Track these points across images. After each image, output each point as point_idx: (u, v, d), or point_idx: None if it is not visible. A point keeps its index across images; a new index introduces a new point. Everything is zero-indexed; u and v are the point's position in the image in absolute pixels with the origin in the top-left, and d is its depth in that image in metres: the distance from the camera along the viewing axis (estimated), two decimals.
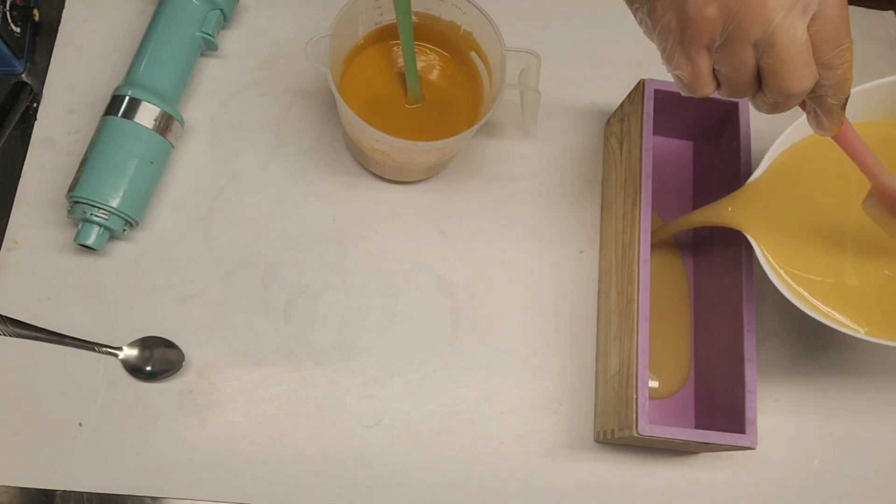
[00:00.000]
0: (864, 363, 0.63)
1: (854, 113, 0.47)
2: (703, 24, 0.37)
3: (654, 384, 0.60)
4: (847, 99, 0.40)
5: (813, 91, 0.39)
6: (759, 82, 0.39)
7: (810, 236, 0.52)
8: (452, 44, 0.62)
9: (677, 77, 0.41)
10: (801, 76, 0.37)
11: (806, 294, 0.51)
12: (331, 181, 0.63)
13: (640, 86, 0.60)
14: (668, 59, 0.41)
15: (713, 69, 0.40)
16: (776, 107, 0.40)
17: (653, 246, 0.62)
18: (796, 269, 0.51)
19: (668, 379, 0.60)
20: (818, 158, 0.53)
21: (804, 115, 0.44)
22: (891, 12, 0.75)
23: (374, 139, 0.55)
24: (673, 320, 0.62)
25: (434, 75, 0.63)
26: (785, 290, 0.50)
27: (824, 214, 0.53)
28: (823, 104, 0.40)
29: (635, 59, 0.70)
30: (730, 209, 0.54)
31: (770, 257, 0.51)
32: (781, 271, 0.51)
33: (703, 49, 0.39)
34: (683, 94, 0.42)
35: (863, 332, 0.50)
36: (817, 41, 0.37)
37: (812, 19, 0.36)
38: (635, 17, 0.42)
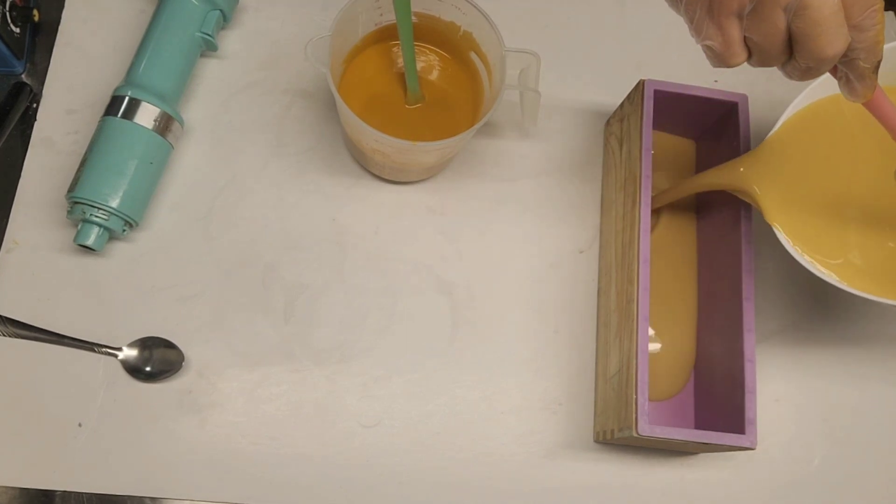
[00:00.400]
0: (864, 363, 0.63)
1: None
2: None
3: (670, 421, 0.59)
4: (879, 62, 0.39)
5: (844, 55, 0.38)
6: (790, 48, 0.38)
7: (823, 201, 0.51)
8: (452, 44, 0.62)
9: (707, 48, 0.41)
10: (834, 39, 0.37)
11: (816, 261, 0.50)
12: (330, 181, 0.63)
13: (640, 86, 0.60)
14: (697, 29, 0.40)
15: (744, 37, 0.39)
16: (808, 72, 0.39)
17: (663, 216, 0.62)
18: (805, 238, 0.51)
19: (669, 379, 0.60)
20: (835, 122, 0.52)
21: (817, 80, 0.43)
22: (890, 13, 0.75)
23: (374, 139, 0.55)
24: (678, 302, 0.62)
25: (434, 76, 0.63)
26: (795, 252, 0.50)
27: (838, 179, 0.52)
28: (855, 68, 0.39)
29: (635, 60, 0.70)
30: (742, 169, 0.53)
31: (782, 228, 0.50)
32: (799, 249, 0.50)
33: (734, 16, 0.38)
34: (713, 65, 0.41)
35: (875, 295, 0.48)
36: (848, 2, 0.36)
37: None
38: None
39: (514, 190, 0.65)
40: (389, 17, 0.60)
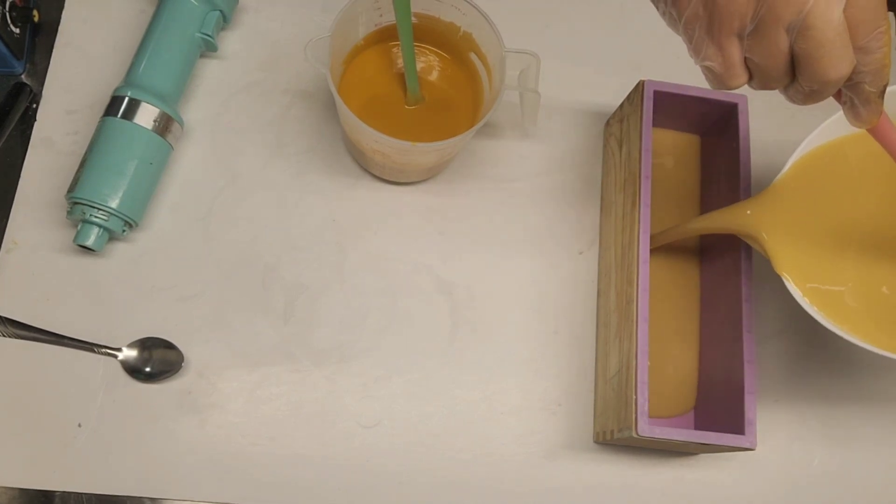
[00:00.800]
0: (863, 364, 0.63)
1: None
2: (733, 8, 0.35)
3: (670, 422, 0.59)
4: (886, 86, 0.38)
5: (849, 78, 0.37)
6: (793, 71, 0.37)
7: (832, 247, 0.50)
8: (452, 45, 0.62)
9: (706, 69, 0.39)
10: (839, 61, 0.35)
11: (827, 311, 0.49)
12: (330, 182, 0.63)
13: (640, 87, 0.60)
14: (696, 50, 0.39)
15: (744, 58, 0.38)
16: (811, 96, 0.38)
17: (660, 254, 0.61)
18: (816, 282, 0.49)
19: (673, 401, 0.60)
20: (845, 162, 0.51)
21: (830, 119, 0.42)
22: (890, 13, 0.75)
23: (374, 140, 0.55)
24: (679, 338, 0.61)
25: (433, 76, 0.63)
26: (809, 308, 0.48)
27: (848, 224, 0.50)
28: (861, 92, 0.38)
29: (635, 60, 0.70)
30: (748, 212, 0.51)
31: (791, 276, 0.49)
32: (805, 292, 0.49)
33: (734, 36, 0.37)
34: (713, 87, 0.40)
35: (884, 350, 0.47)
36: (853, 24, 0.35)
37: (847, 1, 0.34)
38: (657, 8, 0.40)
39: (514, 190, 0.65)
40: (389, 18, 0.60)
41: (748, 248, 0.56)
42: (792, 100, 0.39)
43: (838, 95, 0.40)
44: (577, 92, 0.69)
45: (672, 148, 0.66)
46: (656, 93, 0.59)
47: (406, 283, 0.61)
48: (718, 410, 0.56)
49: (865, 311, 0.49)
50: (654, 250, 0.62)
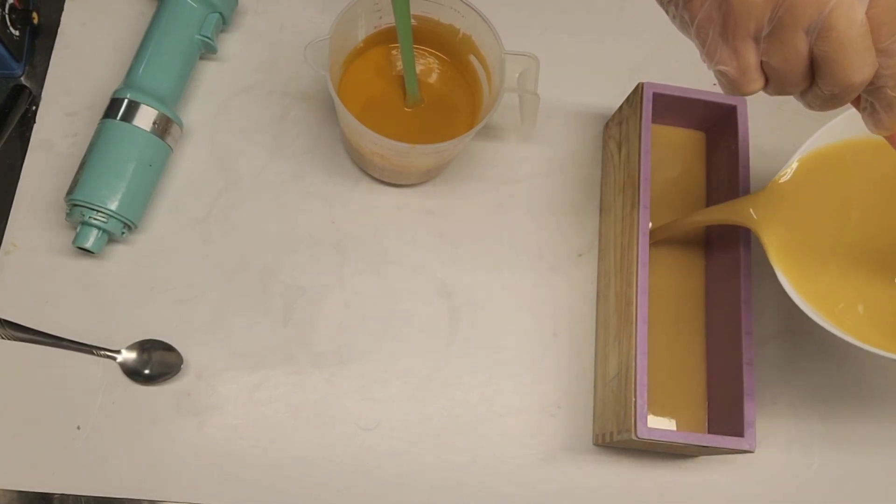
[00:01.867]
0: (863, 366, 0.63)
1: None
2: (749, 10, 0.34)
3: (670, 425, 0.59)
4: None
5: (871, 83, 0.35)
6: (812, 75, 0.35)
7: (830, 248, 0.50)
8: (451, 47, 0.62)
9: (720, 73, 0.38)
10: (861, 63, 0.34)
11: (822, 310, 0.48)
12: (330, 184, 0.63)
13: (639, 89, 0.60)
14: (710, 54, 0.37)
15: (760, 62, 0.36)
16: (830, 101, 0.36)
17: (665, 255, 0.61)
18: (815, 283, 0.49)
19: (688, 412, 0.59)
20: (851, 168, 0.50)
21: (835, 119, 0.40)
22: None
23: (373, 142, 0.55)
24: (686, 348, 0.61)
25: (433, 78, 0.63)
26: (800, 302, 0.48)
27: (851, 224, 0.50)
28: (883, 97, 0.36)
29: (634, 62, 0.70)
30: (751, 210, 0.51)
31: (788, 277, 0.49)
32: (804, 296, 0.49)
33: (750, 39, 0.35)
34: (726, 92, 0.38)
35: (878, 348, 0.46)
36: (876, 25, 0.33)
37: (870, 1, 0.33)
38: (667, 12, 0.39)
39: (514, 192, 0.65)
40: (389, 20, 0.60)
41: (747, 250, 0.56)
42: (810, 105, 0.37)
43: (857, 101, 0.38)
44: (577, 94, 0.69)
45: (677, 144, 0.66)
46: (656, 94, 0.59)
47: (405, 285, 0.61)
48: (718, 412, 0.57)
49: (864, 313, 0.49)
50: (659, 252, 0.62)
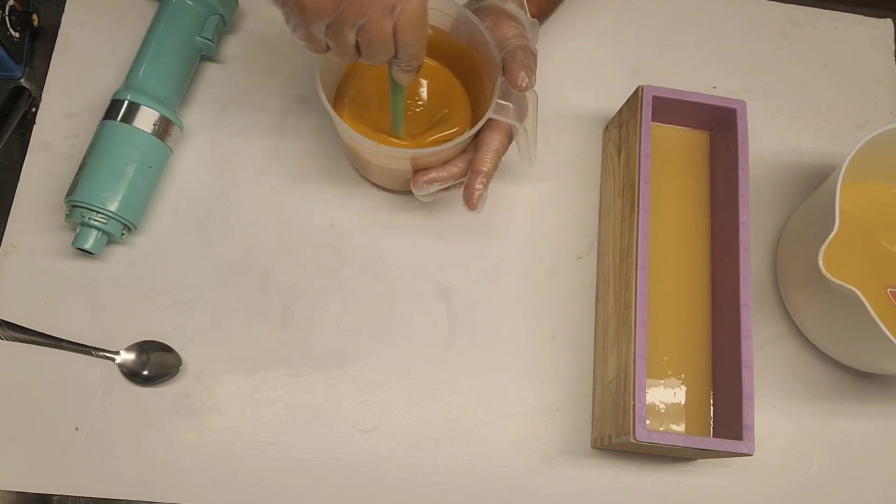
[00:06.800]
0: (862, 370, 0.63)
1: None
2: (319, 10, 0.45)
3: (676, 428, 0.58)
4: (418, 66, 0.50)
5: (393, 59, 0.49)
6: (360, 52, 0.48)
7: None
8: (456, 55, 0.61)
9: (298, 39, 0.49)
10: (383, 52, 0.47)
11: None
12: (329, 186, 0.63)
13: (639, 92, 0.60)
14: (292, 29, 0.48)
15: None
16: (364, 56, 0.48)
17: (669, 260, 0.61)
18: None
19: (697, 418, 0.59)
20: None
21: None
22: (888, 20, 0.76)
23: (370, 151, 0.55)
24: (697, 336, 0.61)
25: (433, 85, 0.62)
26: None
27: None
28: (397, 69, 0.51)
29: (633, 66, 0.70)
30: None
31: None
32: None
33: (320, 23, 0.46)
34: (308, 50, 0.49)
35: None
36: (397, 30, 0.46)
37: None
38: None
39: (513, 195, 0.65)
40: None
41: (746, 253, 0.56)
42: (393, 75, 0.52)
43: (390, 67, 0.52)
44: (576, 97, 0.69)
45: (681, 143, 0.66)
46: (655, 98, 0.59)
47: (404, 288, 0.61)
48: (716, 416, 0.56)
49: None
50: (662, 256, 0.62)
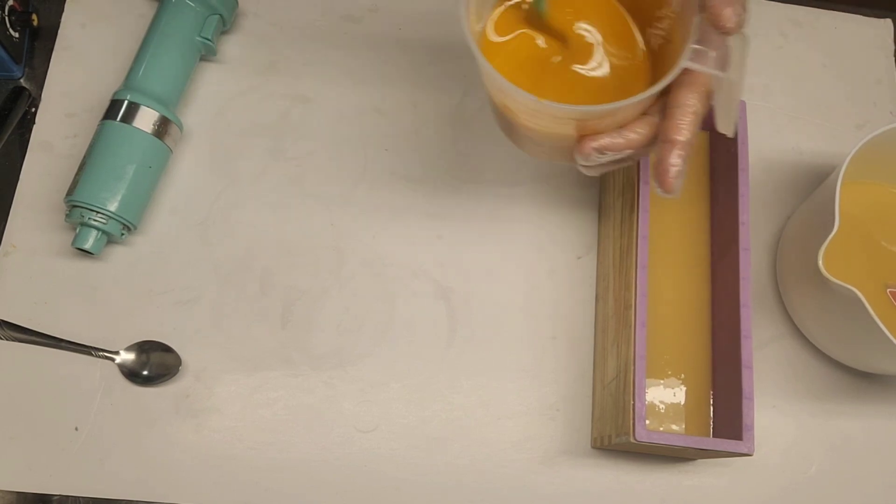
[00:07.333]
0: (862, 370, 0.63)
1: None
2: None
3: (677, 428, 0.58)
4: None
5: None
6: None
7: None
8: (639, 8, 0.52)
9: None
10: None
11: None
12: (329, 186, 0.63)
13: None
14: None
15: None
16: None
17: (670, 259, 0.62)
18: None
19: (697, 418, 0.59)
20: None
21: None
22: (888, 20, 0.76)
23: (525, 110, 0.46)
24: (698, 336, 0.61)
25: (607, 40, 0.52)
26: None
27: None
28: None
29: None
30: None
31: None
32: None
33: None
34: None
35: None
36: None
37: None
38: None
39: (512, 195, 0.65)
40: None
41: (746, 252, 0.56)
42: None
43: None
44: None
45: None
46: None
47: (404, 288, 0.61)
48: (716, 416, 0.56)
49: None
50: (662, 256, 0.62)
